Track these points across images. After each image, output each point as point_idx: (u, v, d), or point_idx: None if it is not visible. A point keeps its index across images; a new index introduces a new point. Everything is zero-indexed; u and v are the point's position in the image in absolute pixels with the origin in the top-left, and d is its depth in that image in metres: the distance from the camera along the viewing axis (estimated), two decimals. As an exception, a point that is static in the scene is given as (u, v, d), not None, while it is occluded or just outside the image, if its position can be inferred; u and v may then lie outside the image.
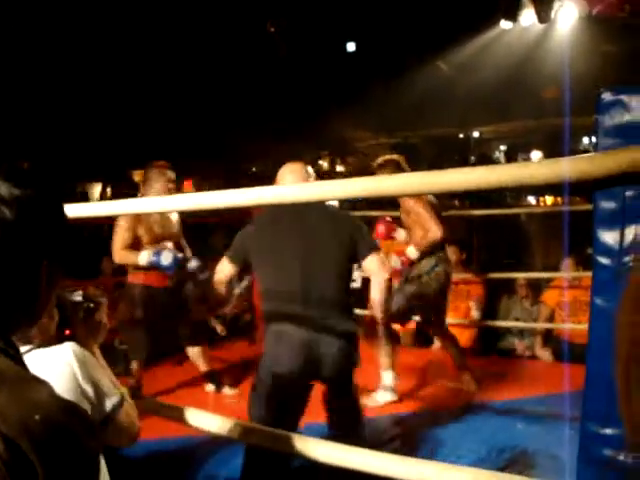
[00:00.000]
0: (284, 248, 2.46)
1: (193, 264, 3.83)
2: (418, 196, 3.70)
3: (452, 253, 5.47)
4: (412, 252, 3.91)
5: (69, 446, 0.74)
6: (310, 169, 2.93)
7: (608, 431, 1.22)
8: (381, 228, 4.39)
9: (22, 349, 1.34)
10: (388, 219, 4.53)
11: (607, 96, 1.12)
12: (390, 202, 4.94)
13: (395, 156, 4.17)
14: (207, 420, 1.90)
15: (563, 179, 1.04)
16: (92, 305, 1.64)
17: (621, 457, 1.24)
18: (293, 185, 1.28)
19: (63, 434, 0.74)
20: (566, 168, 1.04)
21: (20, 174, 0.83)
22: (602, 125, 1.12)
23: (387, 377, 3.97)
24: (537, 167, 1.11)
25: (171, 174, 3.90)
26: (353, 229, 2.54)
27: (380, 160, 4.13)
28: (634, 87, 1.09)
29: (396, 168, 3.93)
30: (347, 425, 2.82)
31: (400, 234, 4.33)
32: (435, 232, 3.81)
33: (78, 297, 1.67)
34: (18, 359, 0.79)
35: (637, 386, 0.34)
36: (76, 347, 1.41)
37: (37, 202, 0.83)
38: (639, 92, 1.08)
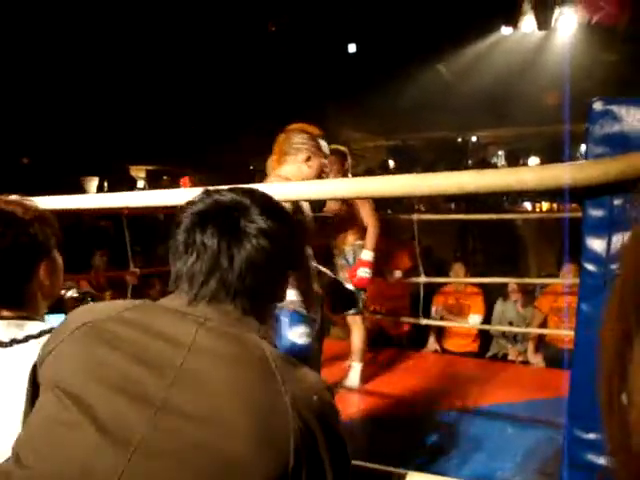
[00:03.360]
0: None
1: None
2: None
3: (458, 270, 5.51)
4: (368, 255, 4.03)
5: (335, 417, 0.96)
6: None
7: (592, 436, 1.24)
8: None
9: None
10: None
11: (598, 106, 1.13)
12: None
13: (341, 147, 4.32)
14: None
15: (552, 186, 1.06)
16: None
17: (605, 461, 1.25)
18: (275, 184, 1.28)
19: (331, 408, 0.96)
20: (555, 175, 1.06)
21: (273, 209, 1.04)
22: (592, 134, 1.14)
23: (357, 367, 4.24)
24: (526, 173, 1.12)
25: None
26: None
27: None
28: (624, 99, 1.11)
29: (341, 157, 4.17)
30: None
31: None
32: (377, 227, 4.08)
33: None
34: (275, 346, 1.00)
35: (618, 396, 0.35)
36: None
37: (286, 233, 1.03)
38: (629, 103, 1.10)
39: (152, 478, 0.84)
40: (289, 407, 0.88)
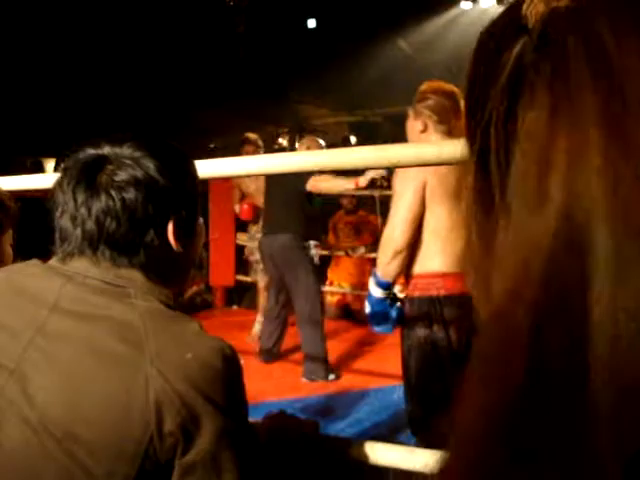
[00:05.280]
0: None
1: None
2: None
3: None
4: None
5: (221, 383, 0.87)
6: (321, 141, 4.47)
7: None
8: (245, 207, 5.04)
9: None
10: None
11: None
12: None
13: (251, 135, 4.98)
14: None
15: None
16: None
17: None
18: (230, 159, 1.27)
19: (214, 372, 0.87)
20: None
21: (151, 156, 0.97)
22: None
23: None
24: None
25: None
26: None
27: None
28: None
29: (256, 146, 4.81)
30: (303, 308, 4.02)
31: None
32: None
33: None
34: (172, 305, 0.96)
35: None
36: None
37: (163, 179, 0.97)
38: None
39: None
40: (150, 370, 0.83)
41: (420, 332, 2.18)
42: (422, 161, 1.11)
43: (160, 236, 0.98)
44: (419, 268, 2.23)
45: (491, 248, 0.36)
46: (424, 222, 2.17)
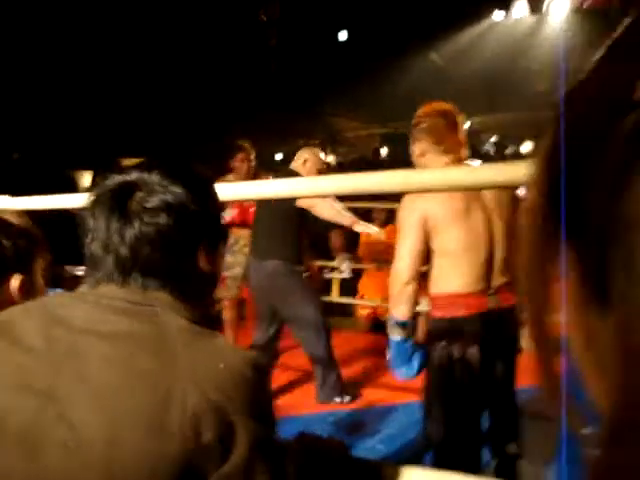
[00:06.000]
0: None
1: None
2: None
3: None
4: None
5: (253, 392, 0.88)
6: (322, 154, 4.06)
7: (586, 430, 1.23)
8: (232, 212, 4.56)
9: None
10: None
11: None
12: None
13: (245, 142, 4.86)
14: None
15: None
16: None
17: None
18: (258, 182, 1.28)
19: (245, 382, 0.88)
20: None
21: (180, 182, 0.98)
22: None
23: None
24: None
25: None
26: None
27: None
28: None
29: (247, 152, 4.74)
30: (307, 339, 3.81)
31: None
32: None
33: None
34: (196, 320, 0.96)
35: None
36: None
37: (191, 205, 0.98)
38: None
39: (38, 471, 0.81)
40: (185, 384, 0.84)
41: (440, 352, 2.18)
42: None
43: (191, 260, 1.00)
44: (438, 289, 2.24)
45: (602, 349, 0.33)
46: (436, 247, 2.18)
